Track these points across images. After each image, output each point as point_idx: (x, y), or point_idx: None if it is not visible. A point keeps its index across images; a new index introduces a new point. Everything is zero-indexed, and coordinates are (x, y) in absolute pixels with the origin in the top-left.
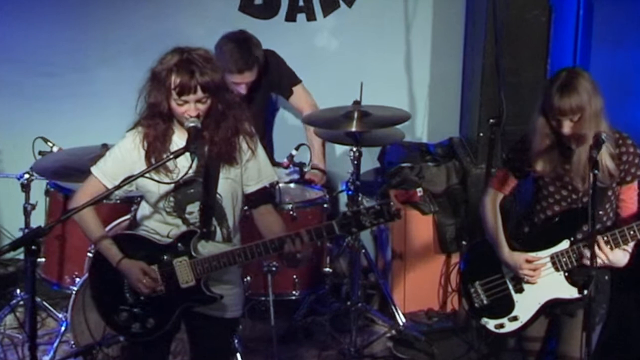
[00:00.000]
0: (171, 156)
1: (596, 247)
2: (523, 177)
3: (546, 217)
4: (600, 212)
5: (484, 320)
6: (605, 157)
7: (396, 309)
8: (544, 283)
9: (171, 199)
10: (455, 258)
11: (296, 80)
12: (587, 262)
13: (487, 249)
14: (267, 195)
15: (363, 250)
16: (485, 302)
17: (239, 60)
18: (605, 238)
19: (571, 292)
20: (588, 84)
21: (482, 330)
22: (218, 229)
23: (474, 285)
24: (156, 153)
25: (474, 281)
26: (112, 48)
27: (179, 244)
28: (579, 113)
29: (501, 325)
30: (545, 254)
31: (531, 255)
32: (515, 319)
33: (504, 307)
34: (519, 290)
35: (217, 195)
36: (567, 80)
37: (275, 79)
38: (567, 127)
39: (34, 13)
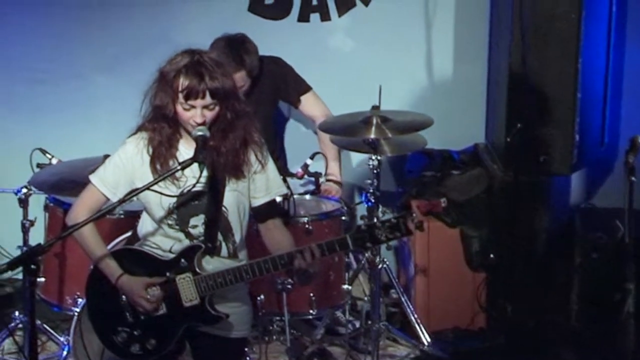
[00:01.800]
0: (178, 167)
1: None
2: None
3: None
4: None
5: None
6: None
7: (420, 328)
8: None
9: (174, 211)
10: (481, 272)
11: (305, 89)
12: None
13: None
14: (275, 208)
15: (384, 266)
16: None
17: (230, 60)
18: None
19: None
20: None
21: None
22: (224, 243)
23: None
24: (161, 159)
25: None
26: (111, 53)
27: (182, 260)
28: None
29: None
30: None
31: None
32: None
33: None
34: None
35: (223, 208)
36: None
37: (282, 87)
38: None
39: (29, 19)
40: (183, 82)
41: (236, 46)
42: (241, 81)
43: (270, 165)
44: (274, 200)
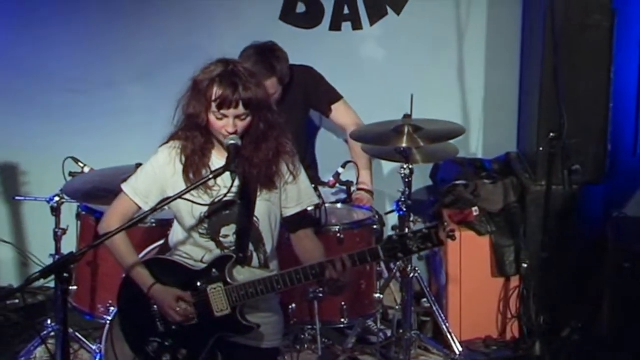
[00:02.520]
0: (210, 176)
1: None
2: None
3: None
4: None
5: None
6: None
7: (452, 337)
8: None
9: (205, 220)
10: (514, 281)
11: (335, 98)
12: None
13: None
14: (307, 219)
15: (415, 274)
16: None
17: (260, 68)
18: None
19: None
20: None
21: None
22: (255, 254)
23: None
24: (194, 168)
25: None
26: (142, 62)
27: (214, 270)
28: None
29: None
30: None
31: None
32: None
33: None
34: None
35: (255, 218)
36: None
37: (313, 96)
38: None
39: (61, 29)
40: (217, 91)
41: (266, 53)
42: (272, 89)
43: (302, 175)
44: (305, 211)
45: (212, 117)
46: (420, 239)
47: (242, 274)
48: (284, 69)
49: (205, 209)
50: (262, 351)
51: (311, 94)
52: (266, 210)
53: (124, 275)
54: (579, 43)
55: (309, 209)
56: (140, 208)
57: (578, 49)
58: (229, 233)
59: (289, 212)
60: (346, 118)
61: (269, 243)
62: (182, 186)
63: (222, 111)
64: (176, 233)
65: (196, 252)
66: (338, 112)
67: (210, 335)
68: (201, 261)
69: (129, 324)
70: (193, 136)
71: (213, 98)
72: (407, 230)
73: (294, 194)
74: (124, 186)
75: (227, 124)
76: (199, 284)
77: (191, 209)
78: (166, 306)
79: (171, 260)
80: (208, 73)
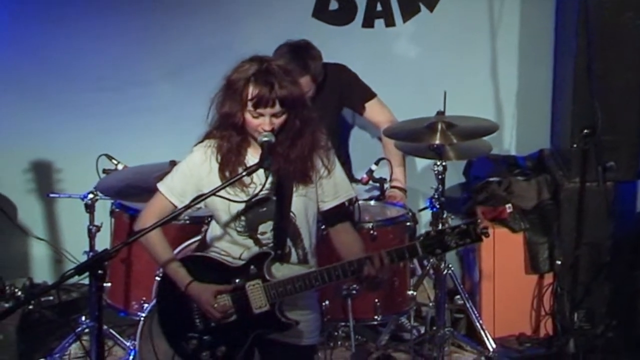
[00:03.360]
0: (243, 174)
1: None
2: None
3: None
4: None
5: None
6: None
7: (485, 334)
8: None
9: (242, 218)
10: (548, 279)
11: (369, 96)
12: None
13: None
14: (344, 212)
15: (449, 271)
16: None
17: (294, 66)
18: None
19: None
20: None
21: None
22: (293, 250)
23: None
24: (230, 166)
25: None
26: (175, 60)
27: (252, 267)
28: None
29: None
30: None
31: None
32: None
33: None
34: None
35: (291, 214)
36: None
37: (346, 94)
38: None
39: (92, 27)
40: (253, 90)
41: (300, 51)
42: (306, 86)
43: (338, 169)
44: (342, 204)
45: (248, 116)
46: (458, 235)
47: (280, 271)
48: (317, 67)
49: (242, 206)
50: (300, 348)
51: (345, 93)
52: (303, 205)
53: (160, 272)
54: (613, 39)
55: (345, 202)
56: (176, 207)
57: (611, 45)
58: (266, 230)
59: (326, 206)
60: (380, 115)
61: (306, 239)
62: (217, 184)
63: (258, 110)
64: (214, 230)
65: (234, 249)
66: (372, 109)
67: (248, 332)
68: (239, 258)
69: (168, 321)
70: (229, 135)
71: (249, 97)
72: (443, 226)
73: (330, 187)
74: (159, 185)
75: (263, 122)
76: (237, 280)
77: (228, 207)
78: (204, 303)
79: (209, 257)
80: (242, 72)
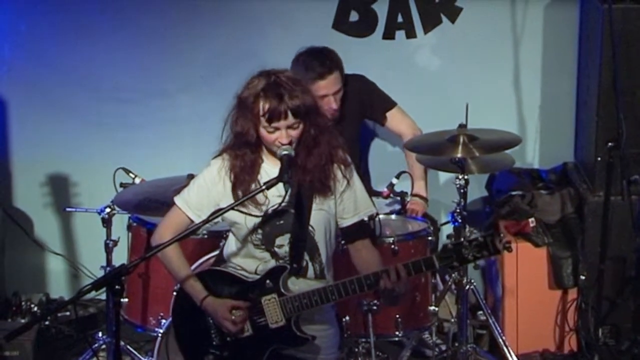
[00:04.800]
0: (263, 187)
1: None
2: None
3: None
4: None
5: None
6: None
7: (508, 351)
8: None
9: (259, 231)
10: (572, 294)
11: (390, 105)
12: None
13: None
14: (364, 229)
15: (471, 287)
16: None
17: (316, 66)
18: None
19: None
20: None
21: None
22: (310, 264)
23: None
24: (244, 185)
25: None
26: (195, 71)
27: (268, 281)
28: None
29: None
30: None
31: None
32: None
33: None
34: None
35: (310, 228)
36: None
37: (367, 105)
38: None
39: (111, 38)
40: (263, 105)
41: (321, 52)
42: (337, 83)
43: (358, 183)
44: (362, 221)
45: (263, 132)
46: (476, 248)
47: (296, 285)
48: (340, 63)
49: (259, 219)
50: None
51: (365, 103)
52: (322, 219)
53: (177, 287)
54: (638, 50)
55: (365, 219)
56: (192, 221)
57: (637, 56)
58: (283, 243)
59: (346, 222)
60: (402, 124)
61: (324, 253)
62: (233, 201)
63: (273, 124)
64: (230, 244)
65: (249, 263)
66: (394, 119)
67: (265, 347)
68: (255, 272)
69: (184, 337)
70: (242, 153)
71: (261, 113)
72: (462, 238)
73: (351, 203)
74: (176, 199)
75: (280, 135)
76: (253, 295)
77: (244, 220)
78: (220, 317)
79: (224, 271)
80: (251, 88)
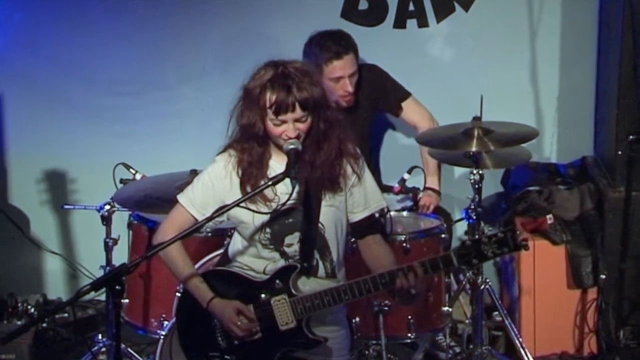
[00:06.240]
0: (269, 183)
1: None
2: None
3: None
4: None
5: None
6: None
7: (525, 353)
8: None
9: (267, 230)
10: (591, 294)
11: (404, 95)
12: None
13: None
14: (375, 224)
15: (486, 286)
16: None
17: (331, 45)
18: None
19: None
20: None
21: None
22: (320, 263)
23: None
24: (252, 180)
25: None
26: (197, 62)
27: (277, 281)
28: None
29: None
30: None
31: None
32: None
33: None
34: None
35: (319, 225)
36: None
37: (380, 96)
38: None
39: (109, 29)
40: (270, 97)
41: (337, 32)
42: (353, 65)
43: (368, 177)
44: (373, 215)
45: (269, 125)
46: (495, 244)
47: (307, 285)
48: (356, 48)
49: (267, 217)
50: None
51: (379, 94)
52: (332, 216)
53: (180, 288)
54: None
55: (376, 213)
56: (196, 220)
57: None
58: (293, 242)
59: (356, 217)
60: (417, 114)
61: (335, 251)
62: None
63: (279, 117)
64: (236, 243)
65: (257, 263)
66: (409, 109)
67: (274, 351)
68: (263, 272)
69: (189, 340)
70: (250, 147)
71: (268, 104)
72: (481, 234)
73: (361, 197)
74: (180, 197)
75: (286, 129)
76: (261, 296)
77: (252, 219)
78: (227, 320)
79: (231, 271)
80: (258, 79)
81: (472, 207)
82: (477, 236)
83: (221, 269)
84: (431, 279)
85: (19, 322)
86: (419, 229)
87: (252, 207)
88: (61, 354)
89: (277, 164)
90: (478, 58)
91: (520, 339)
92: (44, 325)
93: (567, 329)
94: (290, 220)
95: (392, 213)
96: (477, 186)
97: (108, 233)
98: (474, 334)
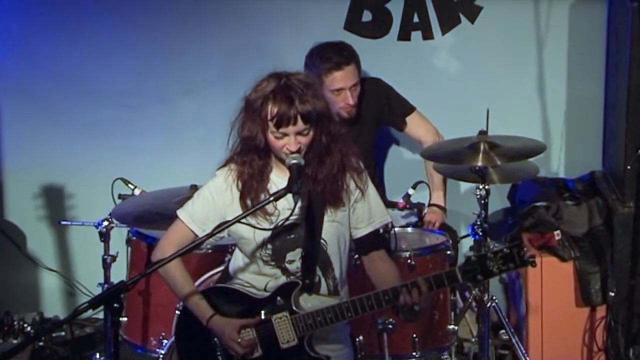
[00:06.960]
0: (271, 198)
1: None
2: None
3: None
4: None
5: None
6: None
7: None
8: None
9: (268, 246)
10: (600, 311)
11: (409, 110)
12: None
13: None
14: (379, 239)
15: (493, 304)
16: None
17: (332, 55)
18: None
19: None
20: None
21: None
22: (323, 279)
23: None
24: (253, 194)
25: None
26: (197, 75)
27: (278, 298)
28: None
29: None
30: None
31: None
32: None
33: None
34: None
35: (322, 241)
36: None
37: (384, 110)
38: None
39: (109, 41)
40: (272, 109)
41: (338, 43)
42: (354, 77)
43: (372, 191)
44: (377, 231)
45: (271, 137)
46: (501, 260)
47: (309, 302)
48: (358, 59)
49: (268, 233)
50: None
51: (383, 108)
52: (334, 232)
53: (180, 306)
54: None
55: (380, 229)
56: (197, 236)
57: None
58: (294, 258)
59: (360, 233)
60: (422, 129)
61: (337, 268)
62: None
63: (281, 130)
64: (237, 260)
65: (258, 280)
66: (413, 124)
67: None
68: (264, 289)
69: (189, 358)
70: (250, 160)
71: (269, 117)
72: (486, 250)
73: (364, 212)
74: (179, 212)
75: (288, 142)
76: (262, 313)
77: (253, 235)
78: (227, 338)
79: (232, 288)
80: (260, 90)
81: (478, 222)
82: (482, 252)
83: (222, 286)
84: (436, 297)
85: (15, 341)
86: (424, 245)
87: (253, 221)
88: None
89: (278, 177)
90: (484, 71)
91: (528, 358)
92: (41, 344)
93: (576, 348)
94: (292, 236)
95: (396, 229)
96: (483, 202)
97: (106, 249)
98: (481, 353)
